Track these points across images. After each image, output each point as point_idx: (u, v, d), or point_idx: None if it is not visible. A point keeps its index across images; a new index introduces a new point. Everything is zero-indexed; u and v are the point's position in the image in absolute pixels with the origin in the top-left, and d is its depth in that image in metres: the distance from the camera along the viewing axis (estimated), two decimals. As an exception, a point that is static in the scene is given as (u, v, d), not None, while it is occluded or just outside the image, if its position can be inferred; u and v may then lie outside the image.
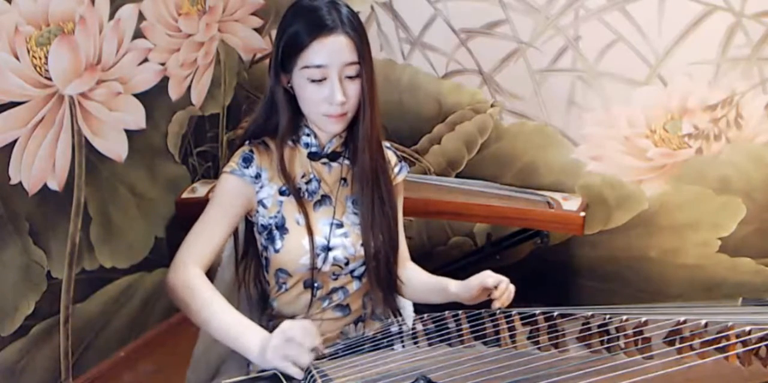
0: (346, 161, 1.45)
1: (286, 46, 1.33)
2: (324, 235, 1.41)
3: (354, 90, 1.34)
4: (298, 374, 1.14)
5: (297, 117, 1.39)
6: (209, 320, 1.28)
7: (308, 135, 1.41)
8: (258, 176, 1.38)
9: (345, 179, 1.45)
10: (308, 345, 1.16)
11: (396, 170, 1.51)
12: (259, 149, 1.40)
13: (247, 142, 1.41)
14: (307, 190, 1.42)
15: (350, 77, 1.33)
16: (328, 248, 1.41)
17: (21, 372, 1.91)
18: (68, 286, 2.03)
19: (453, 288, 1.40)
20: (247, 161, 1.38)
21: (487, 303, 1.36)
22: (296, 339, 1.16)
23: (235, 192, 1.38)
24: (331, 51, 1.30)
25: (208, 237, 1.36)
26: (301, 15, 1.33)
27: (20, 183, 1.82)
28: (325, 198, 1.43)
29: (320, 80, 1.31)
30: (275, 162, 1.40)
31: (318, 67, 1.30)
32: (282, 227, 1.40)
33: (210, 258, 1.35)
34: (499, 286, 1.34)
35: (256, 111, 1.44)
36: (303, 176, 1.42)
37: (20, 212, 1.84)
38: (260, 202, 1.40)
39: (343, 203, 1.45)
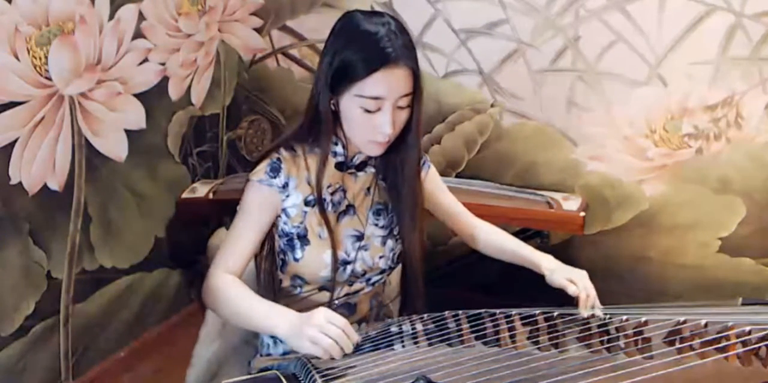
0: (372, 170, 1.44)
1: (339, 71, 1.28)
2: (345, 249, 1.41)
3: (403, 118, 1.32)
4: (323, 354, 1.15)
5: (336, 130, 1.38)
6: (238, 310, 1.29)
7: (336, 144, 1.39)
8: (285, 186, 1.37)
9: (369, 189, 1.45)
10: (348, 333, 1.17)
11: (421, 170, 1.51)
12: (286, 157, 1.37)
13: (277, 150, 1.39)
14: (332, 201, 1.41)
15: (401, 107, 1.30)
16: (347, 262, 1.41)
17: (21, 372, 1.91)
18: (68, 286, 2.03)
19: (546, 271, 1.47)
20: (275, 170, 1.36)
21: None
22: (338, 322, 1.17)
23: (262, 202, 1.37)
24: (390, 84, 1.26)
25: (238, 248, 1.36)
26: (359, 40, 1.27)
27: (20, 183, 1.82)
28: (349, 208, 1.43)
29: (374, 111, 1.28)
30: (303, 171, 1.38)
31: (374, 98, 1.26)
32: (304, 238, 1.39)
33: (242, 267, 1.36)
34: (580, 296, 1.40)
35: (298, 124, 1.41)
36: (329, 187, 1.40)
37: (20, 212, 1.84)
38: (284, 210, 1.39)
39: (365, 214, 1.44)
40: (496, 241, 1.61)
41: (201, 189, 2.38)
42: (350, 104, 1.29)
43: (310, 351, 1.16)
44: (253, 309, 1.28)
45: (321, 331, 1.15)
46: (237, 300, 1.30)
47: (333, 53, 1.29)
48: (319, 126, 1.36)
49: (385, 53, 1.24)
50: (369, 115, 1.28)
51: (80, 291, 2.07)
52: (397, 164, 1.41)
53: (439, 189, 1.59)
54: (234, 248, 1.36)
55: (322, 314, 1.18)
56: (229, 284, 1.32)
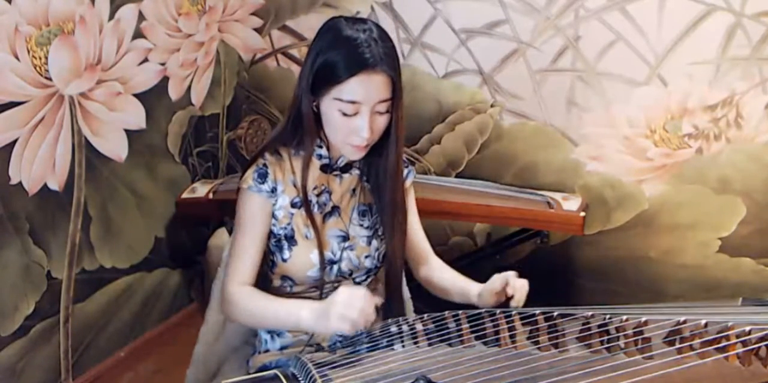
0: (357, 172, 1.46)
1: (320, 73, 1.31)
2: (332, 249, 1.42)
3: (381, 124, 1.34)
4: (351, 328, 1.18)
5: (319, 133, 1.40)
6: (260, 315, 1.34)
7: (321, 147, 1.41)
8: (274, 190, 1.39)
9: (354, 190, 1.46)
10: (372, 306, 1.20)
11: (403, 174, 1.51)
12: (272, 162, 1.40)
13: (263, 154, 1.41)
14: (317, 202, 1.42)
15: (380, 112, 1.32)
16: (334, 262, 1.42)
17: (21, 372, 1.91)
18: (68, 286, 2.03)
19: (474, 297, 1.40)
20: (263, 176, 1.39)
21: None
22: (360, 293, 1.21)
23: (256, 209, 1.40)
24: (367, 89, 1.28)
25: (245, 258, 1.39)
26: (340, 44, 1.29)
27: (20, 183, 1.82)
28: (334, 209, 1.44)
29: (351, 114, 1.30)
30: (289, 174, 1.40)
31: (351, 102, 1.29)
32: (291, 239, 1.41)
33: (253, 276, 1.40)
34: (510, 285, 1.33)
35: (280, 124, 1.44)
36: (314, 189, 1.42)
37: (20, 212, 1.84)
38: (273, 213, 1.41)
39: (349, 214, 1.45)
40: (448, 279, 1.52)
41: (201, 189, 2.38)
42: (329, 106, 1.32)
43: (338, 327, 1.20)
44: (275, 311, 1.33)
45: (348, 305, 1.19)
46: (259, 309, 1.35)
47: (315, 56, 1.32)
48: (302, 128, 1.38)
49: (363, 58, 1.27)
50: (347, 118, 1.31)
51: (80, 290, 2.07)
52: (379, 168, 1.43)
53: (408, 206, 1.54)
54: (241, 261, 1.39)
55: (345, 291, 1.22)
56: (246, 295, 1.36)
